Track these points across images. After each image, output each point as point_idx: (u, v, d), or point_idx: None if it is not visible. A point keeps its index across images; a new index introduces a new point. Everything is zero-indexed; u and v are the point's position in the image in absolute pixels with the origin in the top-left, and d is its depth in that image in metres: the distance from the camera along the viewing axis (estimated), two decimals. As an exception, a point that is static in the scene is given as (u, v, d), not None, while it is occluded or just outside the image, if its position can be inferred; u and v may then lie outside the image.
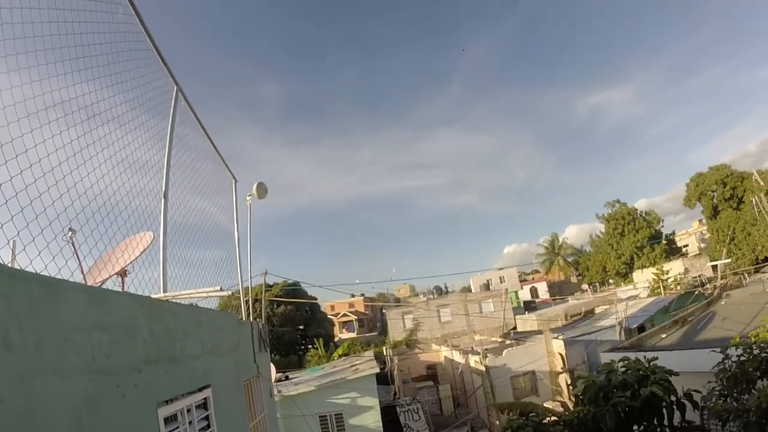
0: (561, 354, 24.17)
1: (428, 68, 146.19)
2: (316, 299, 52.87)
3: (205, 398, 4.15)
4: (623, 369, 7.03)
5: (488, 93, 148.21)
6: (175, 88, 5.42)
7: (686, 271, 48.56)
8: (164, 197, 4.80)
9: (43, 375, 2.07)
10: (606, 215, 65.60)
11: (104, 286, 4.49)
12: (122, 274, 4.92)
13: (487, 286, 53.95)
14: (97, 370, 2.50)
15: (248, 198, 8.37)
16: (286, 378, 25.49)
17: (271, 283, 42.69)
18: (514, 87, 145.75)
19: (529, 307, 52.12)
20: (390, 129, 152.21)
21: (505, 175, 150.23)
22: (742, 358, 7.62)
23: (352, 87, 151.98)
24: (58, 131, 2.98)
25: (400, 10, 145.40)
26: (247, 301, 8.10)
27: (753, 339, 8.41)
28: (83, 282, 4.12)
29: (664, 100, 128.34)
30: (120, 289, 4.88)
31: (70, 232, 3.22)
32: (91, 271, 4.54)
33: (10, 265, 2.31)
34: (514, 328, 40.89)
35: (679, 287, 37.63)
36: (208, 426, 4.12)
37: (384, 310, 50.40)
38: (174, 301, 4.53)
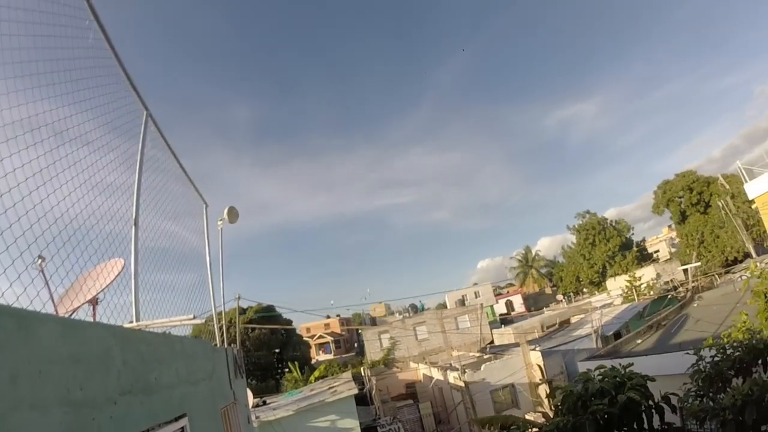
0: (539, 365, 24.33)
1: (401, 88, 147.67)
2: (291, 322, 52.32)
3: (182, 427, 4.05)
4: (600, 377, 7.14)
5: (458, 111, 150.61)
6: (145, 113, 5.38)
7: (658, 276, 49.71)
8: (135, 225, 4.73)
9: (19, 409, 2.01)
10: (577, 226, 66.94)
11: (76, 315, 4.40)
12: (94, 302, 4.82)
13: (462, 302, 54.13)
14: (73, 402, 2.44)
15: (219, 222, 8.29)
16: (264, 403, 24.98)
17: (245, 307, 42.12)
18: (484, 104, 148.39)
19: (506, 320, 52.47)
20: (363, 149, 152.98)
21: (477, 191, 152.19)
22: (716, 359, 7.83)
23: (324, 108, 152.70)
24: (25, 148, 2.91)
25: (370, 33, 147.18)
26: (221, 327, 7.98)
27: (725, 339, 8.66)
28: (54, 310, 4.03)
29: (630, 111, 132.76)
30: (92, 318, 4.78)
31: (40, 260, 3.14)
32: (63, 300, 4.43)
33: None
34: (492, 342, 41.08)
35: (652, 292, 38.40)
36: (187, 456, 4.03)
37: (360, 331, 50.11)
38: (147, 329, 4.46)
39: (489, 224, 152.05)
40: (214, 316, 7.67)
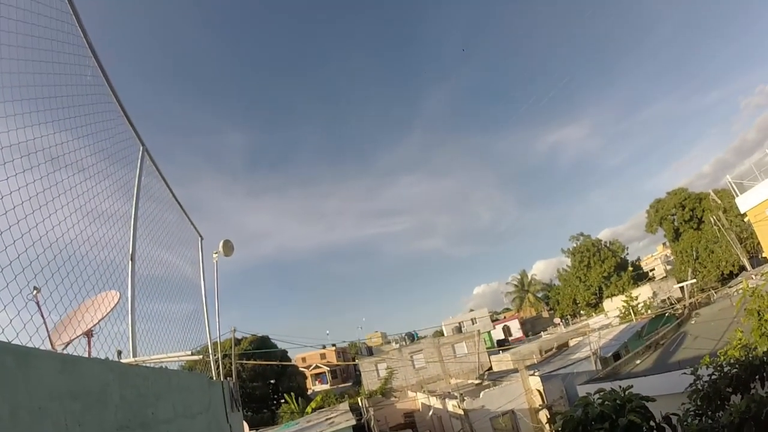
0: (539, 390, 24.09)
1: (391, 114, 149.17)
2: (286, 353, 51.69)
3: (180, 463, 4.01)
4: (600, 400, 7.09)
5: (448, 138, 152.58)
6: (142, 148, 5.44)
7: (655, 294, 49.61)
8: (131, 260, 4.73)
9: (17, 446, 2.01)
10: (571, 249, 66.94)
11: (70, 347, 4.36)
12: (89, 334, 4.78)
13: (459, 329, 53.68)
14: (71, 439, 2.44)
15: (215, 255, 8.28)
16: (260, 436, 24.59)
17: (240, 338, 41.65)
18: (473, 131, 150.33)
19: (503, 345, 52.07)
20: (355, 177, 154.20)
21: (470, 217, 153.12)
22: (714, 377, 7.82)
23: (317, 137, 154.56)
24: (21, 172, 2.92)
25: (360, 61, 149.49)
26: (216, 360, 7.91)
27: (722, 357, 8.66)
28: (49, 341, 4.01)
29: (618, 132, 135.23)
30: (86, 350, 4.74)
31: (35, 290, 3.13)
32: (57, 330, 4.40)
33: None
34: (490, 368, 40.70)
35: (649, 311, 38.32)
36: (184, 492, 3.97)
37: (357, 360, 49.58)
38: (144, 364, 4.43)
39: (483, 250, 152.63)
40: (209, 348, 7.60)
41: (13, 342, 2.58)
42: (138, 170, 5.29)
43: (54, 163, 3.40)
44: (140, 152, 5.43)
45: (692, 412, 7.65)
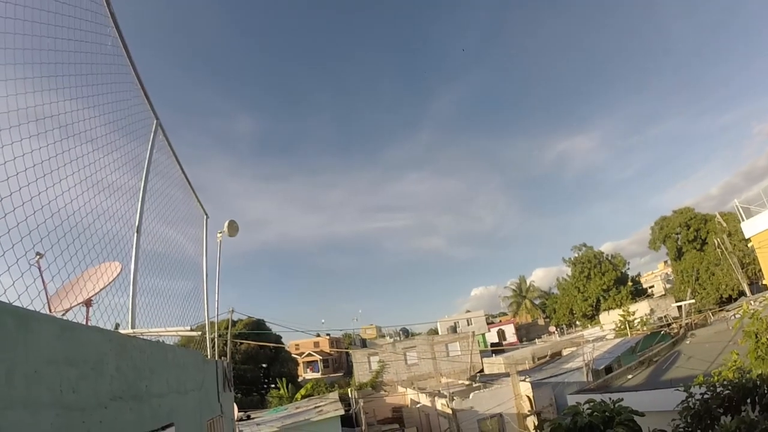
0: (528, 396, 24.11)
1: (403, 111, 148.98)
2: (280, 338, 51.93)
3: (169, 437, 4.03)
4: (589, 411, 7.10)
5: (457, 139, 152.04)
6: (155, 121, 5.44)
7: (652, 311, 49.59)
8: (137, 231, 4.74)
9: (12, 407, 2.02)
10: (572, 259, 66.77)
11: (69, 314, 4.38)
12: (88, 303, 4.79)
13: (454, 329, 53.73)
14: (65, 404, 2.44)
15: (219, 235, 8.30)
16: (248, 417, 24.65)
17: (235, 320, 41.76)
18: (482, 134, 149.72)
19: (497, 349, 52.13)
20: (360, 170, 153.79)
21: (472, 219, 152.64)
22: (706, 396, 7.82)
23: (326, 127, 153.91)
24: (27, 137, 2.89)
25: (375, 56, 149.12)
26: (212, 339, 7.94)
27: (716, 377, 8.65)
28: (48, 308, 4.02)
29: (627, 146, 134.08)
30: (84, 319, 4.76)
31: (37, 256, 3.12)
32: (55, 298, 4.41)
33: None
34: (482, 370, 40.77)
35: (645, 327, 38.26)
36: (171, 466, 3.99)
37: (350, 352, 49.76)
38: (142, 337, 4.45)
39: (483, 253, 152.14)
40: (207, 327, 7.63)
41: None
42: (150, 143, 5.29)
43: (63, 131, 3.37)
44: (153, 126, 5.43)
45: (682, 429, 7.66)
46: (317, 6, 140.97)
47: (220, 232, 8.27)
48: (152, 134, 5.38)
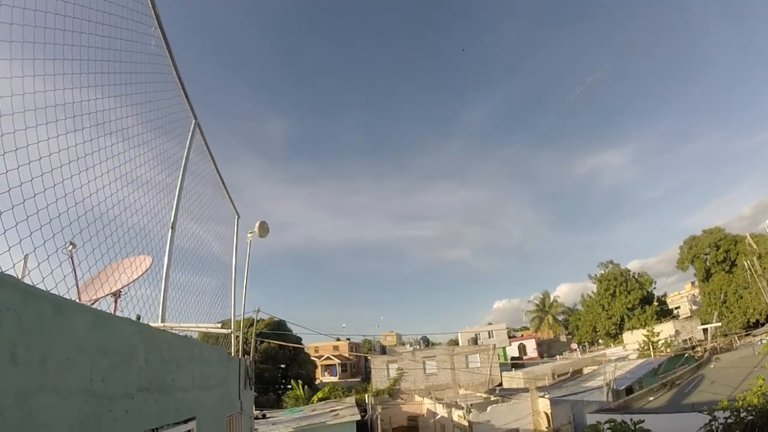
0: (546, 413, 23.73)
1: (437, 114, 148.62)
2: (300, 339, 52.15)
3: (189, 430, 4.09)
4: (609, 430, 6.98)
5: (488, 151, 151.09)
6: (194, 121, 5.54)
7: (677, 333, 48.27)
8: (172, 228, 4.83)
9: (43, 392, 2.07)
10: (598, 275, 65.46)
11: (96, 305, 4.48)
12: (117, 295, 4.90)
13: (475, 341, 53.26)
14: (94, 392, 2.50)
15: (249, 235, 8.38)
16: (264, 416, 24.85)
17: (258, 319, 42.14)
18: (513, 146, 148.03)
19: (517, 364, 51.50)
20: (390, 177, 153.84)
21: (499, 231, 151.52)
22: (729, 421, 7.62)
23: (358, 133, 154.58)
24: (64, 133, 2.93)
25: (409, 64, 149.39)
26: (237, 337, 8.02)
27: (740, 402, 8.41)
28: (78, 297, 4.11)
29: (659, 163, 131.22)
30: (112, 310, 4.86)
31: (71, 246, 3.20)
32: (87, 288, 4.52)
33: (21, 278, 2.35)
34: (500, 384, 40.29)
35: (669, 349, 37.34)
36: (190, 459, 4.05)
37: (369, 357, 49.72)
38: (171, 331, 4.52)
39: (508, 265, 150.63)
40: (233, 324, 7.71)
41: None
42: (188, 143, 5.39)
43: (100, 128, 3.44)
44: (192, 126, 5.53)
45: (703, 454, 7.48)
46: (353, 14, 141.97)
47: (250, 233, 8.36)
48: (190, 133, 5.48)
